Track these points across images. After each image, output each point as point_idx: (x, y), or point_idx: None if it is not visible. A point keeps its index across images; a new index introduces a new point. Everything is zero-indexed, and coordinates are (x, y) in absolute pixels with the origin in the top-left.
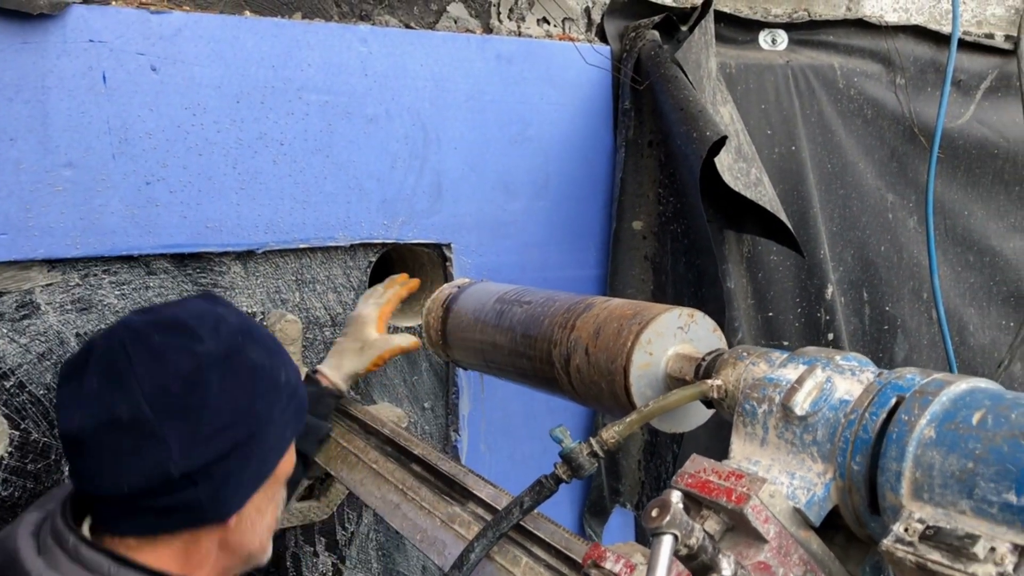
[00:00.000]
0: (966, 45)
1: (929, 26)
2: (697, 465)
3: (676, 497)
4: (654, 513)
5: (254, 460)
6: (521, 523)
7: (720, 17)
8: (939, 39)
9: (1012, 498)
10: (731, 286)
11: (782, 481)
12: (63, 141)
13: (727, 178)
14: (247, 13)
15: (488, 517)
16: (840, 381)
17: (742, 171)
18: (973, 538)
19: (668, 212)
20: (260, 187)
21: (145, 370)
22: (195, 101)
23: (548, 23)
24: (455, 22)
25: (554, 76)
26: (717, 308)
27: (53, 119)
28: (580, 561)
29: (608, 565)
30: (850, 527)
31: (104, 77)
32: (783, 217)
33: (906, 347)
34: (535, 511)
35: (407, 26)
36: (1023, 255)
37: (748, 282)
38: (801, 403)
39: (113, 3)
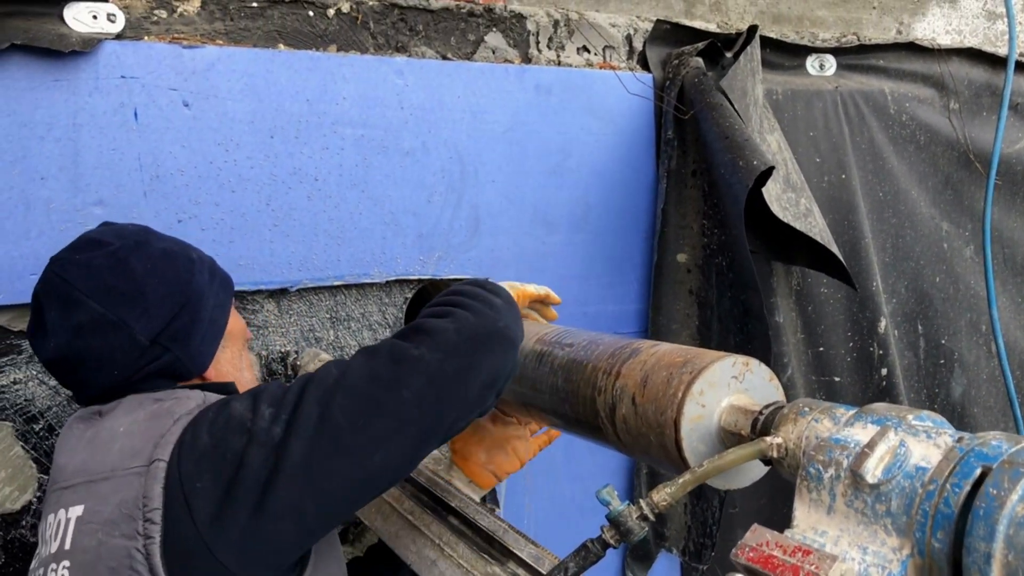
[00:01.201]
0: (1022, 67)
1: (984, 48)
2: (759, 537)
3: None
4: None
5: (203, 318)
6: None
7: (766, 43)
8: (995, 61)
9: None
10: (780, 320)
11: (853, 556)
12: (94, 179)
13: (775, 209)
14: (281, 46)
15: None
16: (915, 445)
17: (791, 201)
18: None
19: (713, 244)
20: (294, 223)
21: (82, 282)
22: (228, 136)
23: (588, 51)
24: (493, 52)
25: (594, 106)
26: (763, 344)
27: (84, 157)
28: None
29: None
30: None
31: (136, 114)
32: (834, 248)
33: (964, 382)
34: None
35: (444, 57)
36: None
37: (798, 316)
38: (873, 470)
39: (146, 38)
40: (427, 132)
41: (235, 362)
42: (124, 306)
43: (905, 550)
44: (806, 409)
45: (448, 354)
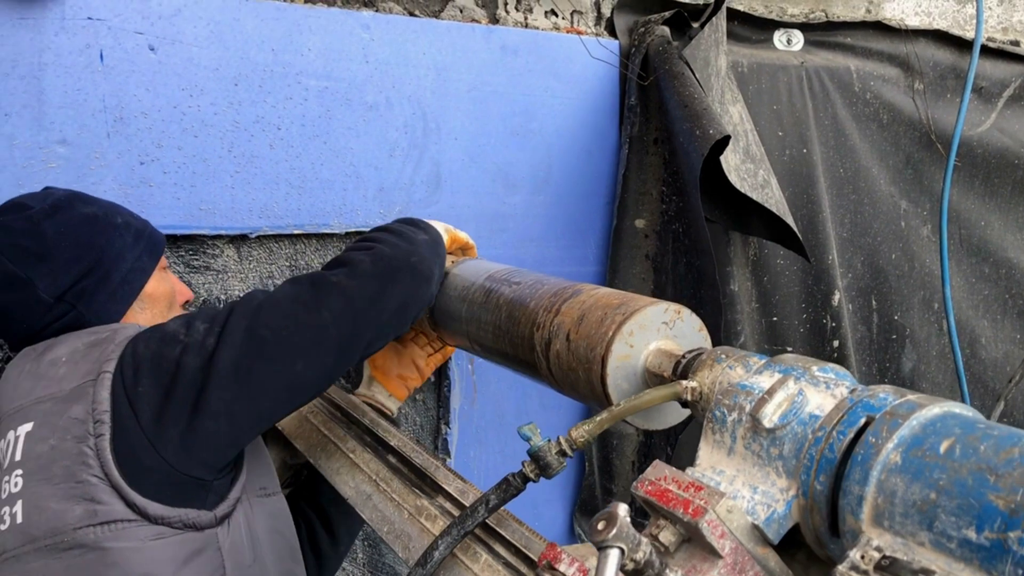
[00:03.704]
0: (989, 51)
1: (952, 31)
2: (658, 472)
3: (623, 511)
4: (600, 526)
5: (113, 280)
6: (489, 524)
7: (734, 15)
8: (961, 44)
9: (971, 534)
10: (735, 288)
11: (743, 495)
12: (58, 118)
13: (733, 179)
14: None
15: (455, 512)
16: (813, 394)
17: (749, 172)
18: (927, 573)
19: (671, 211)
20: (255, 171)
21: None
22: (192, 82)
23: (556, 15)
24: (461, 11)
25: (560, 69)
26: (715, 310)
27: (49, 96)
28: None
29: (562, 567)
30: (811, 547)
31: (101, 55)
32: (790, 221)
33: (915, 357)
34: (502, 508)
35: (411, 14)
36: None
37: (753, 285)
38: (770, 415)
39: None
40: (391, 87)
41: (155, 323)
42: (33, 266)
43: (792, 491)
44: (723, 356)
45: (363, 282)
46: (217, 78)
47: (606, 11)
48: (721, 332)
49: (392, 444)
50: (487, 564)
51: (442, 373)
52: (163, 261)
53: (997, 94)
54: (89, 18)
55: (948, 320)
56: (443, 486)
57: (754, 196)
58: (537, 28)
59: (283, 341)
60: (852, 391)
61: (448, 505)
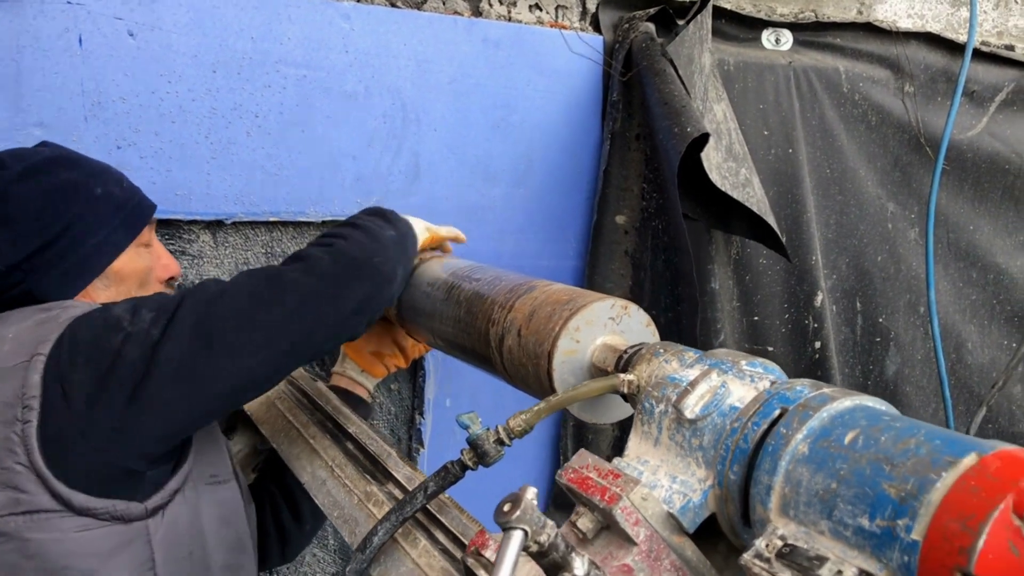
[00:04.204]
0: (982, 55)
1: (945, 34)
2: (582, 460)
3: (531, 494)
4: (505, 508)
5: (75, 254)
6: (428, 508)
7: (721, 13)
8: (953, 48)
9: (865, 522)
10: (716, 287)
11: (663, 484)
12: (35, 101)
13: (714, 177)
14: None
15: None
16: (736, 387)
17: (731, 170)
18: (821, 560)
19: (651, 208)
20: (232, 158)
21: None
22: (171, 68)
23: (540, 9)
24: (443, 3)
25: (543, 64)
26: (691, 307)
27: (26, 78)
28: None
29: (487, 553)
30: (728, 537)
31: (80, 40)
32: (770, 220)
33: (898, 360)
34: (446, 497)
35: (393, 4)
36: None
37: (735, 284)
38: (692, 406)
39: None
40: (371, 77)
41: (118, 300)
42: None
43: (708, 481)
44: (661, 351)
45: (320, 279)
46: (196, 65)
47: (591, 6)
48: (698, 330)
49: (350, 431)
50: (425, 549)
51: (418, 364)
52: (146, 235)
53: (989, 98)
54: (68, 2)
55: (932, 324)
56: (393, 473)
57: (735, 195)
58: (521, 22)
59: (232, 338)
60: (773, 383)
61: (396, 492)
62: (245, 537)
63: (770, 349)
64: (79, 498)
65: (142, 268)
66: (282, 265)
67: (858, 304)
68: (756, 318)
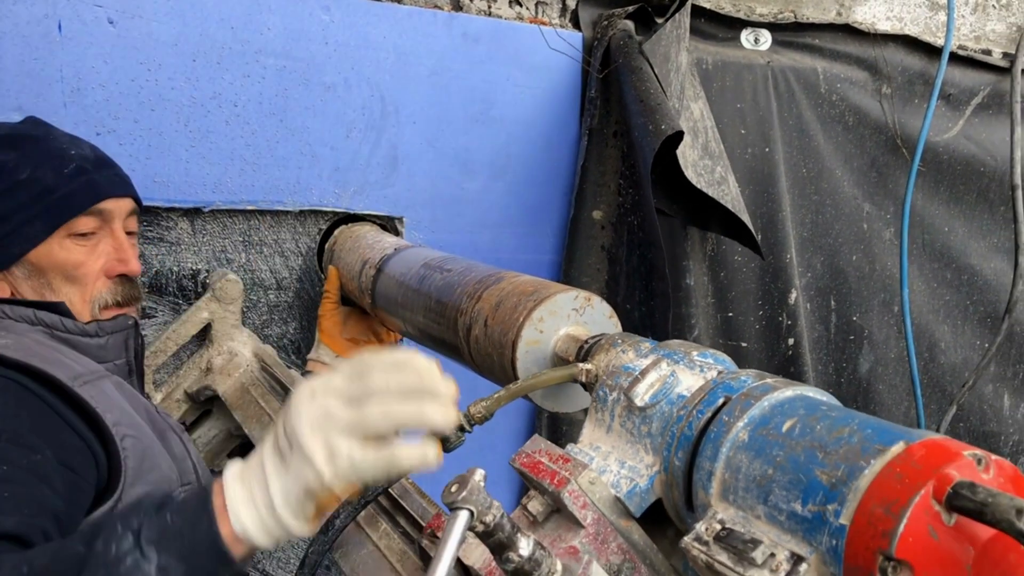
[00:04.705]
0: (959, 59)
1: (923, 37)
2: (535, 446)
3: (479, 475)
4: (453, 488)
5: None
6: (391, 493)
7: (701, 12)
8: (931, 51)
9: (798, 507)
10: (691, 283)
11: (612, 469)
12: (14, 86)
13: (690, 174)
14: None
15: None
16: (685, 376)
17: (707, 168)
18: (756, 543)
19: (627, 203)
20: (211, 146)
21: None
22: (151, 56)
23: (520, 5)
24: None
25: (522, 59)
26: (664, 302)
27: (5, 64)
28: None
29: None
30: (674, 521)
31: (60, 26)
32: (745, 217)
33: (872, 358)
34: (409, 482)
35: None
36: (1003, 276)
37: (709, 280)
38: (642, 394)
39: None
40: (350, 69)
41: (42, 292)
42: None
43: (655, 467)
44: (619, 341)
45: None
46: (176, 53)
47: (571, 3)
48: (671, 324)
49: None
50: (385, 532)
51: None
52: (85, 225)
53: (965, 101)
54: None
55: (906, 323)
56: None
57: (710, 192)
58: (501, 17)
59: None
60: (720, 373)
61: None
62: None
63: (744, 345)
64: None
65: (67, 261)
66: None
67: (832, 302)
68: (730, 314)
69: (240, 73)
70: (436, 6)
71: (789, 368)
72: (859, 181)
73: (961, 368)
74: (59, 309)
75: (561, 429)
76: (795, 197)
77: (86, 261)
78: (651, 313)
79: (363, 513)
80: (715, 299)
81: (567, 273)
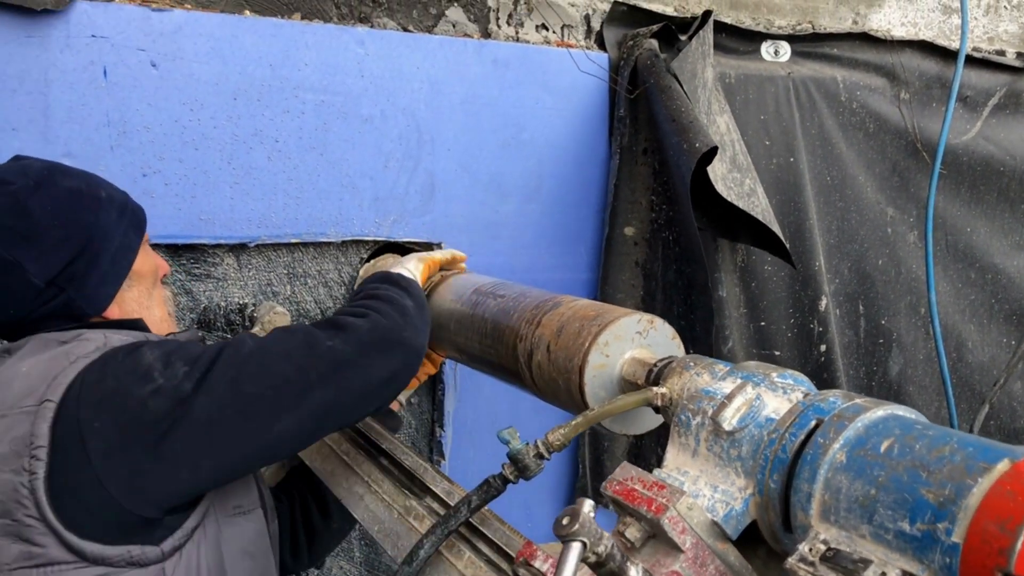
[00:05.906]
0: (974, 61)
1: (938, 41)
2: (626, 473)
3: (588, 507)
4: (564, 521)
5: (103, 261)
6: (471, 521)
7: (721, 28)
8: (946, 54)
9: (905, 526)
10: (723, 295)
11: (705, 494)
12: (63, 132)
13: (720, 188)
14: (247, 12)
15: (441, 512)
16: (771, 399)
17: (736, 181)
18: (866, 563)
19: (660, 219)
20: (254, 182)
21: None
22: (193, 97)
23: (547, 29)
24: (453, 26)
25: (550, 82)
26: (706, 316)
27: (54, 111)
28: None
29: (537, 563)
30: (769, 542)
31: (105, 72)
32: (775, 228)
33: (901, 361)
34: (486, 510)
35: (405, 29)
36: None
37: (741, 291)
38: (729, 418)
39: (116, 0)
40: (386, 100)
41: (142, 300)
42: (20, 247)
43: (749, 490)
44: (691, 364)
45: (356, 350)
46: (217, 92)
47: (596, 25)
48: (712, 337)
49: (384, 447)
50: (470, 561)
51: (437, 377)
52: (145, 235)
53: (982, 103)
54: (93, 36)
55: (933, 324)
56: (431, 487)
57: (740, 204)
58: (528, 42)
59: (265, 401)
60: (806, 395)
61: (435, 505)
62: (269, 568)
63: (777, 353)
64: (93, 548)
65: (152, 265)
66: (318, 330)
67: (861, 307)
68: (763, 323)
69: (280, 109)
70: (466, 34)
71: (822, 374)
72: (882, 186)
73: (989, 366)
74: (138, 326)
75: (603, 444)
76: (821, 205)
77: (158, 263)
78: (691, 327)
79: (445, 543)
80: (747, 309)
81: (602, 290)
